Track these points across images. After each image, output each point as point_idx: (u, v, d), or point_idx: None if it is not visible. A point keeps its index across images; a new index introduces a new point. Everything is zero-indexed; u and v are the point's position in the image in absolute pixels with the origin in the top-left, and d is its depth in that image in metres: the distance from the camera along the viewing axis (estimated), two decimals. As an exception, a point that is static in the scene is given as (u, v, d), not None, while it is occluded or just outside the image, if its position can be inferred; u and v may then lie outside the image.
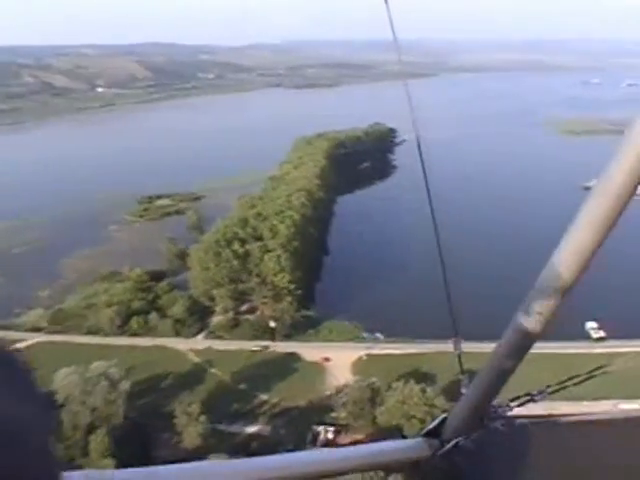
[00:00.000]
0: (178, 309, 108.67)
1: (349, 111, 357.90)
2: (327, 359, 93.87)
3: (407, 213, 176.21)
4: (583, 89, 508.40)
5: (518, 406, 3.83)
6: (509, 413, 3.82)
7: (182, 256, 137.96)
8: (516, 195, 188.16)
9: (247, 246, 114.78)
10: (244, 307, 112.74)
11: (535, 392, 3.80)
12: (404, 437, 4.13)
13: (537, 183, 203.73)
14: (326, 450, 6.16)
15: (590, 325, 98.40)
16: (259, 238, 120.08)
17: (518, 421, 3.90)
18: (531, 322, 2.99)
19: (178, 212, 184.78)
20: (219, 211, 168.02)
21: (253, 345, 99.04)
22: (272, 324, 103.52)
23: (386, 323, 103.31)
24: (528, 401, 3.81)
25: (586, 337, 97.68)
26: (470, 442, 3.79)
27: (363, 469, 4.52)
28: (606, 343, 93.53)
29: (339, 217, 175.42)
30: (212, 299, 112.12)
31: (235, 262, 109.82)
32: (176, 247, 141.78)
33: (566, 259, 2.68)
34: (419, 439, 3.93)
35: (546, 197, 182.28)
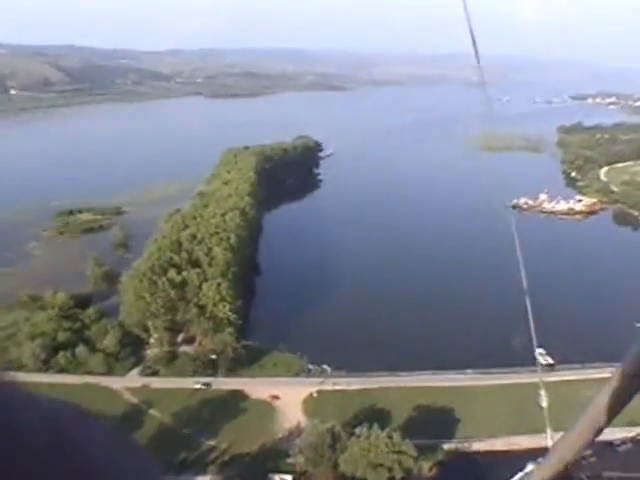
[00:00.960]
0: (109, 341, 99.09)
1: (274, 122, 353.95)
2: (276, 397, 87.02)
3: (333, 228, 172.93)
4: (496, 106, 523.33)
5: (600, 455, 3.58)
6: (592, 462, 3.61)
7: (108, 278, 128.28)
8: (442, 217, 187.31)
9: (184, 273, 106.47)
10: (180, 337, 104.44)
11: (618, 441, 3.80)
12: None
13: (462, 203, 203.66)
14: None
15: (538, 351, 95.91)
16: (195, 263, 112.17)
17: (605, 475, 3.84)
18: (626, 383, 2.77)
19: (102, 227, 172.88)
20: (145, 227, 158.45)
21: (194, 382, 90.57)
22: (213, 356, 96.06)
23: (325, 348, 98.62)
24: (611, 451, 3.80)
25: (535, 364, 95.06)
26: None
27: None
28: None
29: (266, 233, 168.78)
30: (146, 329, 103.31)
31: (172, 291, 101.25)
32: (102, 268, 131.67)
33: None
34: None
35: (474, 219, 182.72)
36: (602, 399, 2.89)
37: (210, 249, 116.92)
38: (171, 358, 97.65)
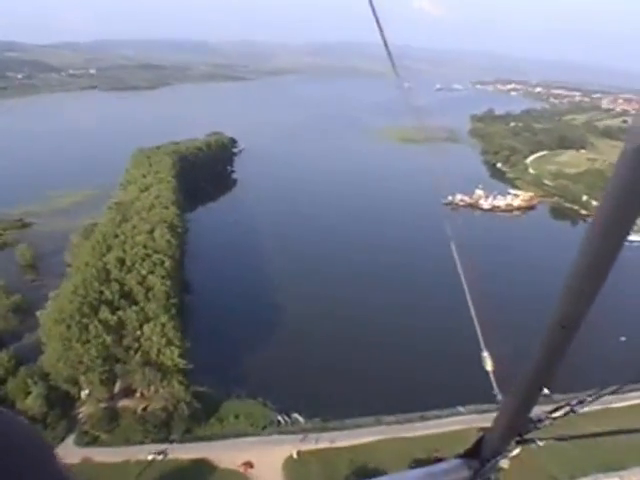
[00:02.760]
0: (34, 402, 77.99)
1: (176, 116, 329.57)
2: (249, 465, 69.67)
3: (251, 232, 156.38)
4: (398, 94, 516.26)
5: (557, 418, 3.38)
6: (548, 424, 3.40)
7: (19, 310, 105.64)
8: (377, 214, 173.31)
9: (119, 312, 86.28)
10: (116, 388, 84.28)
11: (575, 401, 3.34)
12: (442, 459, 3.55)
13: (393, 198, 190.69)
14: None
15: None
16: (129, 297, 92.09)
17: (558, 436, 3.68)
18: (556, 335, 2.69)
19: (5, 244, 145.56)
20: (55, 241, 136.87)
21: (146, 451, 71.78)
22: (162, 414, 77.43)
23: (286, 386, 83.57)
24: (568, 412, 3.38)
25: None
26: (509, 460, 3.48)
27: None
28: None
29: (189, 245, 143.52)
30: (75, 382, 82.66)
31: (107, 337, 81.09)
32: (11, 298, 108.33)
33: (577, 286, 2.47)
34: (458, 461, 3.58)
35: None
36: (538, 354, 2.76)
37: (144, 277, 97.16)
38: (111, 418, 77.90)
